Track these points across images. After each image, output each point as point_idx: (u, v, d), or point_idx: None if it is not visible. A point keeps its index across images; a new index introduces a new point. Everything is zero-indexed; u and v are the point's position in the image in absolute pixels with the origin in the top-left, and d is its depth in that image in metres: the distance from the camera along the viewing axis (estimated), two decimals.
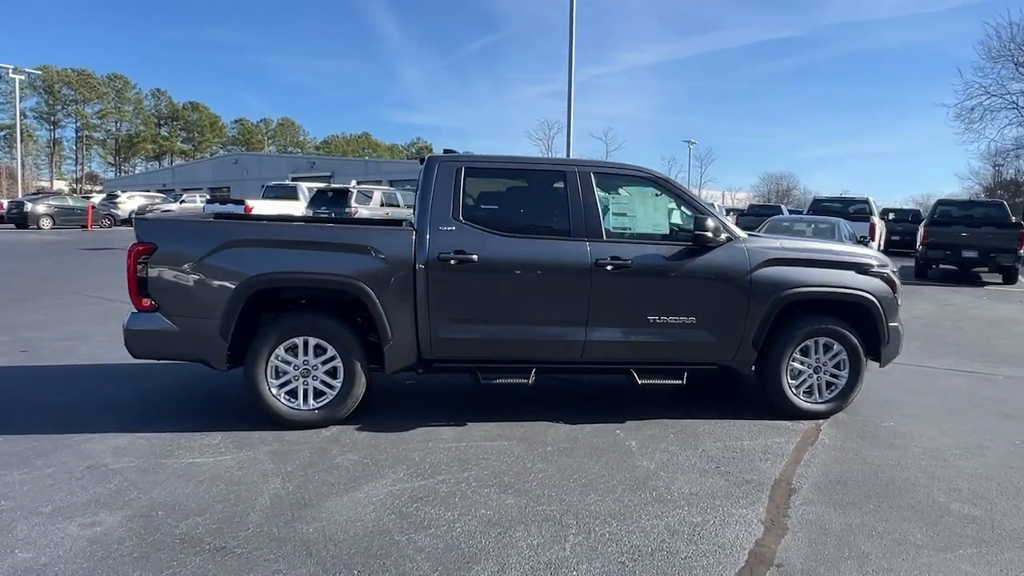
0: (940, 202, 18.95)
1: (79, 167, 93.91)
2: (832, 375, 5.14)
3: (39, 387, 5.47)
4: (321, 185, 24.51)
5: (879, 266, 5.26)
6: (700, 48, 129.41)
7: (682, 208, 5.12)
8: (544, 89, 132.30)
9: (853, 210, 18.38)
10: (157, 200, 35.49)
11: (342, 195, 18.21)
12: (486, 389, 5.32)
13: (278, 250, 4.53)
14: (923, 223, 17.69)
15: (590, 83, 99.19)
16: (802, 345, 5.06)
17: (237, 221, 5.48)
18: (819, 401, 5.14)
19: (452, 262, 4.59)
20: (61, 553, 2.97)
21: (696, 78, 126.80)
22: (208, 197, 31.56)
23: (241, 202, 19.68)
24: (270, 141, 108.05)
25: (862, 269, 5.17)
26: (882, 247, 18.54)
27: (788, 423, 5.02)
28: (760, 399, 5.35)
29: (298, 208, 19.49)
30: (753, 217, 23.98)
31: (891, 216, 25.94)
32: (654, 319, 4.85)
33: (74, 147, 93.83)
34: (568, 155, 20.93)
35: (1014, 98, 29.00)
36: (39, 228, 28.00)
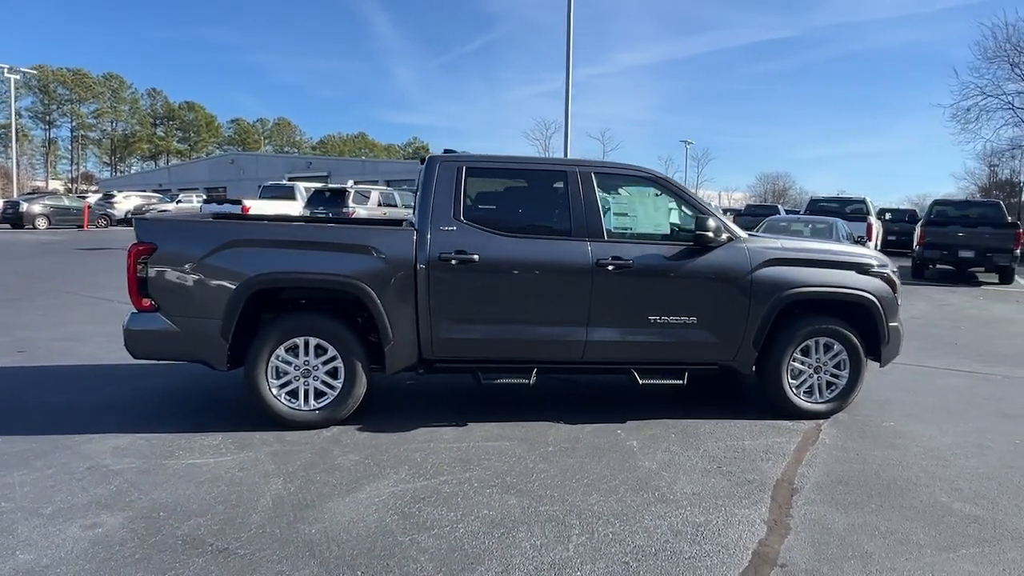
0: (936, 202, 19.02)
1: (74, 167, 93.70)
2: (832, 375, 5.15)
3: (38, 388, 5.45)
4: (318, 185, 24.47)
5: (879, 266, 5.27)
6: (697, 48, 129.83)
7: (683, 208, 5.12)
8: (539, 89, 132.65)
9: (850, 210, 18.43)
10: (153, 200, 35.44)
11: (339, 195, 18.17)
12: (486, 389, 5.31)
13: (279, 250, 4.52)
14: (920, 223, 17.74)
15: (587, 83, 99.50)
16: (803, 345, 5.07)
17: (238, 221, 5.46)
18: (819, 401, 5.14)
19: (453, 262, 4.58)
20: (63, 555, 2.96)
21: (693, 78, 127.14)
22: (205, 197, 31.48)
23: (238, 202, 19.64)
24: (266, 141, 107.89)
25: (862, 269, 5.18)
26: (879, 247, 18.58)
27: (789, 423, 5.02)
28: (760, 399, 5.35)
29: (295, 208, 19.46)
30: (750, 217, 24.03)
31: (888, 216, 26.00)
32: (655, 319, 4.85)
33: (69, 147, 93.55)
34: (566, 155, 20.93)
35: (1010, 98, 29.05)
36: (35, 228, 27.90)
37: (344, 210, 17.08)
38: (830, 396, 5.15)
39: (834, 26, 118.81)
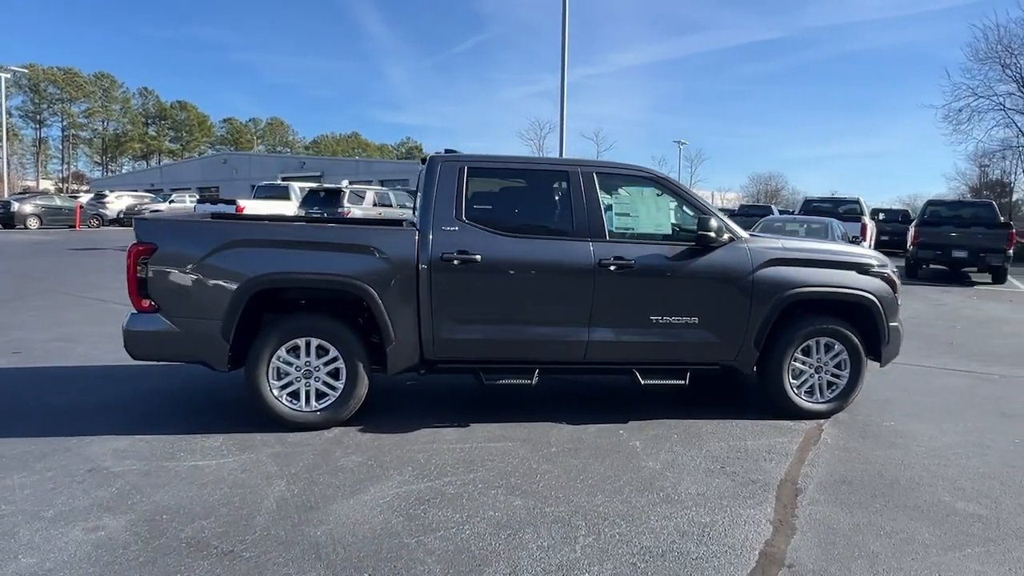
0: (930, 202, 19.11)
1: (65, 166, 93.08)
2: (833, 375, 5.16)
3: (35, 389, 5.40)
4: (312, 185, 24.36)
5: (879, 266, 5.28)
6: (690, 49, 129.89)
7: (684, 208, 5.12)
8: (531, 90, 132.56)
9: (844, 210, 18.51)
10: (146, 200, 35.24)
11: (334, 195, 18.09)
12: (487, 389, 5.30)
13: (280, 250, 4.49)
14: (914, 223, 17.83)
15: (580, 83, 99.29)
16: (803, 345, 5.08)
17: (238, 221, 5.43)
18: (820, 401, 5.16)
19: (455, 262, 4.57)
20: (66, 558, 2.93)
21: (686, 79, 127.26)
22: (198, 197, 31.33)
23: (232, 202, 19.48)
24: (259, 141, 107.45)
25: (862, 269, 5.19)
26: (872, 247, 18.66)
27: (790, 423, 5.03)
28: (761, 399, 5.36)
29: (290, 208, 19.35)
30: (744, 217, 24.06)
31: (881, 216, 26.13)
32: (657, 319, 4.85)
33: (60, 146, 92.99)
34: (561, 155, 20.93)
35: (1001, 99, 29.29)
36: (26, 228, 27.70)
37: (339, 210, 17.01)
38: (831, 396, 5.16)
39: (826, 27, 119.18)
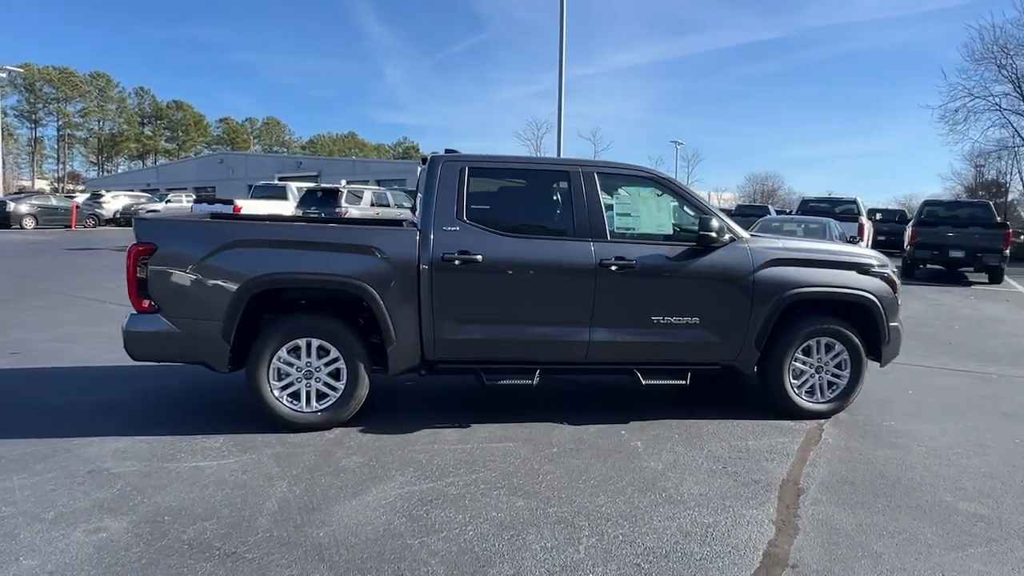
0: (927, 202, 19.17)
1: (61, 166, 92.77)
2: (834, 375, 5.17)
3: (34, 389, 5.38)
4: (310, 185, 24.33)
5: (879, 266, 5.29)
6: (687, 49, 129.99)
7: (685, 208, 5.12)
8: (529, 90, 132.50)
9: (841, 210, 18.52)
10: (142, 200, 35.10)
11: (332, 195, 18.06)
12: (487, 390, 5.29)
13: (280, 250, 4.48)
14: (911, 223, 17.87)
15: (577, 83, 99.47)
16: (804, 345, 5.08)
17: (239, 221, 5.41)
18: (821, 401, 5.16)
19: (456, 262, 4.56)
20: (67, 560, 2.91)
21: (683, 79, 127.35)
22: (195, 197, 31.25)
23: (230, 202, 19.44)
24: (255, 140, 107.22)
25: (863, 269, 5.20)
26: (869, 247, 18.69)
27: (790, 423, 5.03)
28: (761, 399, 5.36)
29: (287, 208, 19.32)
30: (741, 218, 24.01)
31: (878, 216, 26.20)
32: (658, 319, 4.84)
33: (56, 146, 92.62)
34: (559, 155, 20.93)
35: (997, 100, 29.34)
36: (22, 228, 27.60)
37: (337, 210, 16.98)
38: (831, 396, 5.17)
39: (824, 27, 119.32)
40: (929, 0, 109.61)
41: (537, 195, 5.09)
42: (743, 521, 3.45)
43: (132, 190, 43.59)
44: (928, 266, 17.15)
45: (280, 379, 4.52)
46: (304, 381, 4.54)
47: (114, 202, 33.62)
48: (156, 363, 5.05)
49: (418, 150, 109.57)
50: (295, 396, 4.54)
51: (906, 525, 3.47)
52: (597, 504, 3.60)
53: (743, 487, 3.88)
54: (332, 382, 4.58)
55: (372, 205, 18.61)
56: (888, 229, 24.88)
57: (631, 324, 4.83)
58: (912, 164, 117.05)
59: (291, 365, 4.52)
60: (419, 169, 5.29)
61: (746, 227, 5.20)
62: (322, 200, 17.94)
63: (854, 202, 19.59)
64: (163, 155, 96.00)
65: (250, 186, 26.00)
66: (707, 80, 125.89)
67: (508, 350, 4.76)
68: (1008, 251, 16.17)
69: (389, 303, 4.50)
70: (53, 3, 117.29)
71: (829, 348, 5.13)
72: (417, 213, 5.05)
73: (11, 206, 28.16)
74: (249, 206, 19.13)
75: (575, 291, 4.73)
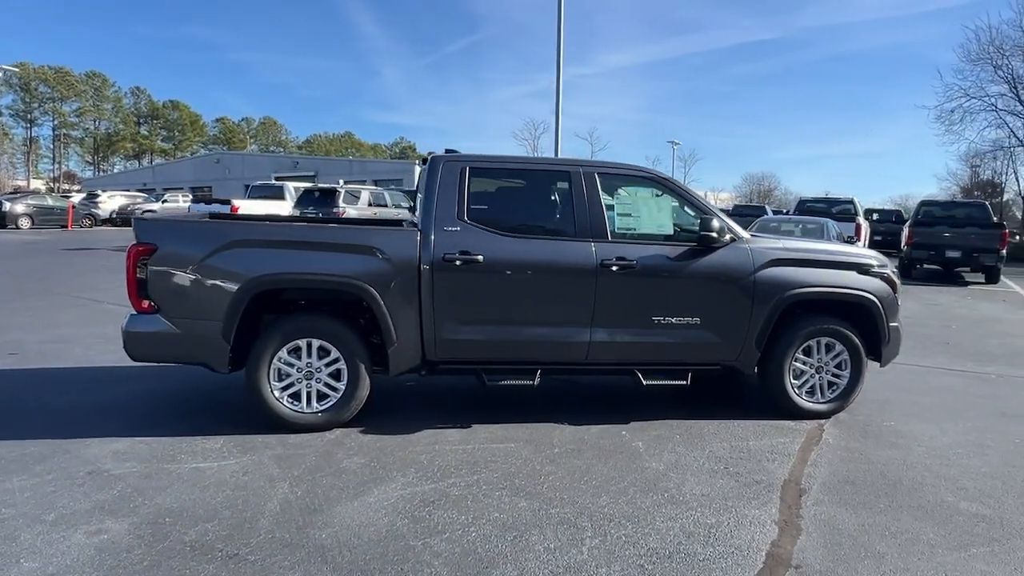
0: (924, 203, 19.24)
1: (56, 166, 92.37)
2: (834, 375, 5.17)
3: (32, 390, 5.36)
4: (307, 185, 24.29)
5: (879, 266, 5.30)
6: (684, 49, 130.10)
7: (686, 209, 5.12)
8: (524, 90, 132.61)
9: (838, 211, 18.56)
10: (139, 200, 34.98)
11: (330, 195, 18.03)
12: (487, 390, 5.26)
13: (281, 251, 4.47)
14: (908, 223, 17.91)
15: (574, 83, 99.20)
16: (804, 345, 5.08)
17: (239, 222, 5.39)
18: (821, 401, 5.16)
19: (457, 263, 4.55)
20: (68, 562, 2.90)
21: (680, 79, 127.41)
22: (192, 197, 31.18)
23: (227, 202, 19.38)
24: (252, 140, 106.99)
25: (863, 269, 5.21)
26: (866, 247, 18.73)
27: (791, 423, 5.04)
28: (761, 399, 5.36)
29: (285, 208, 19.27)
30: (738, 218, 23.95)
31: (875, 216, 26.26)
32: (659, 320, 4.84)
33: (51, 145, 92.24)
34: (556, 155, 20.93)
35: (993, 100, 29.44)
36: (18, 228, 27.48)
37: (334, 210, 16.94)
38: (832, 396, 5.18)
39: (820, 28, 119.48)
40: (925, 0, 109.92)
41: (538, 195, 5.09)
42: (746, 522, 3.45)
43: (128, 190, 43.43)
44: (925, 266, 17.19)
45: (280, 380, 4.50)
46: (304, 382, 4.53)
47: (110, 202, 33.51)
48: (155, 364, 5.04)
49: (415, 150, 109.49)
50: (295, 397, 4.53)
51: (908, 525, 3.47)
52: (599, 505, 3.59)
53: (745, 487, 3.88)
54: (333, 383, 4.56)
55: (370, 205, 18.58)
56: (885, 229, 24.94)
57: (632, 324, 4.83)
58: (908, 164, 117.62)
59: (291, 366, 4.51)
60: (419, 169, 5.28)
61: (743, 227, 5.19)
62: (319, 200, 17.89)
63: (851, 202, 19.64)
64: (159, 155, 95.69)
65: (247, 186, 25.95)
66: (704, 80, 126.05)
67: (509, 350, 4.76)
68: (1004, 251, 16.23)
69: (390, 303, 4.49)
70: (49, 2, 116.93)
71: (829, 348, 5.14)
72: (417, 213, 5.04)
73: (7, 206, 28.04)
74: (246, 206, 19.07)
75: (576, 291, 4.72)
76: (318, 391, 4.56)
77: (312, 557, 3.00)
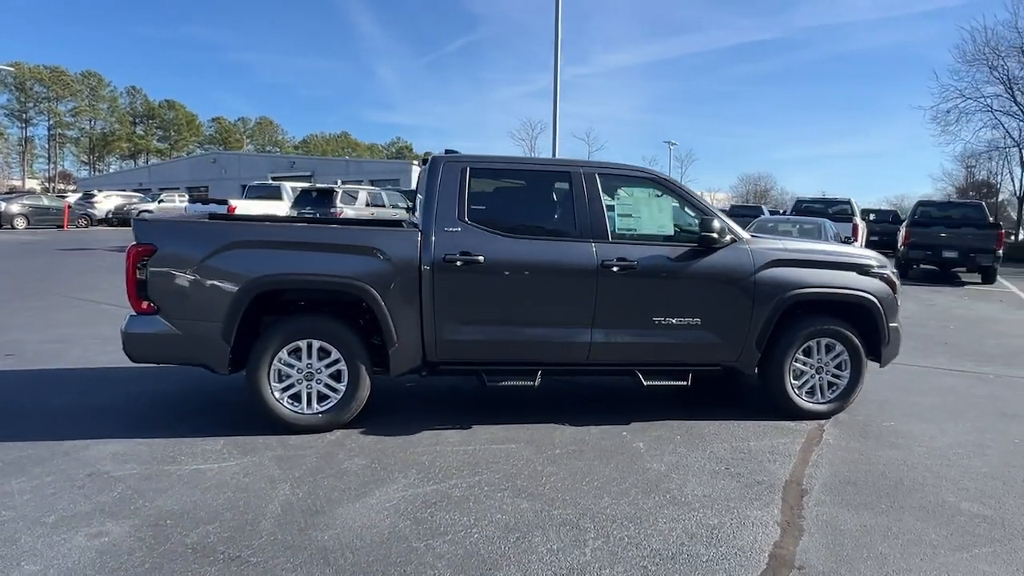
0: (921, 203, 19.29)
1: (52, 166, 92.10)
2: (834, 375, 5.18)
3: (30, 392, 5.33)
4: (304, 185, 24.23)
5: (879, 267, 5.31)
6: (681, 49, 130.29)
7: (686, 209, 5.12)
8: (523, 90, 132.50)
9: (835, 211, 18.60)
10: (135, 200, 34.86)
11: (327, 195, 17.97)
12: (487, 390, 5.25)
13: (282, 251, 4.45)
14: (905, 223, 17.95)
15: (571, 83, 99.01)
16: (804, 346, 5.09)
17: (240, 222, 5.37)
18: (821, 401, 5.17)
19: (458, 263, 4.54)
20: (70, 565, 2.88)
21: (677, 79, 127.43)
22: (188, 197, 31.09)
23: (224, 202, 19.36)
24: (248, 140, 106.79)
25: (863, 270, 5.21)
26: (863, 247, 18.76)
27: (791, 423, 5.04)
28: (761, 399, 5.36)
29: (282, 208, 19.24)
30: (735, 218, 23.96)
31: (872, 217, 26.34)
32: (659, 320, 4.84)
33: (47, 145, 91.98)
34: (554, 155, 20.93)
35: (988, 101, 29.53)
36: (13, 228, 27.36)
37: (332, 210, 16.90)
38: (832, 396, 5.18)
39: (816, 28, 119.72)
40: (921, 1, 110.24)
41: (538, 196, 5.08)
42: (748, 522, 3.45)
43: (124, 190, 43.31)
44: (921, 266, 17.24)
45: (281, 381, 4.49)
46: (305, 383, 4.52)
47: (106, 202, 33.37)
48: (154, 365, 5.01)
49: (411, 150, 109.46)
50: (296, 398, 4.52)
51: (910, 526, 3.47)
52: (602, 506, 3.59)
53: (747, 488, 3.88)
54: (333, 383, 4.55)
55: (367, 205, 18.54)
56: (881, 230, 25.00)
57: (633, 325, 4.83)
58: (904, 165, 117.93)
59: (292, 367, 4.49)
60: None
61: (741, 227, 5.19)
62: (317, 200, 17.84)
63: (848, 202, 19.67)
64: (155, 155, 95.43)
65: (243, 186, 25.89)
66: (701, 80, 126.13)
67: (510, 351, 4.75)
68: (1001, 251, 16.27)
69: (390, 304, 4.48)
70: (44, 2, 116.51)
71: (829, 349, 5.14)
72: (418, 214, 5.03)
73: (2, 206, 27.87)
74: (243, 206, 19.04)
75: (577, 292, 4.72)
76: (318, 392, 4.54)
77: (315, 559, 2.99)
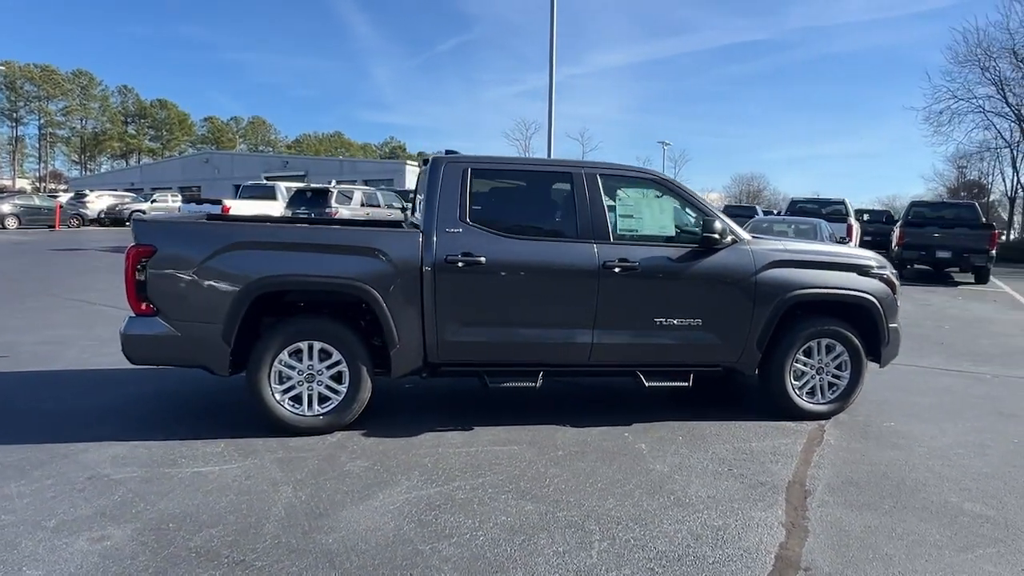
0: (914, 203, 19.37)
1: (42, 165, 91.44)
2: (834, 376, 5.19)
3: (27, 394, 5.28)
4: (299, 185, 24.13)
5: (879, 268, 5.33)
6: (674, 50, 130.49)
7: (687, 210, 5.12)
8: (516, 90, 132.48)
9: (829, 211, 18.64)
10: (127, 199, 34.68)
11: (322, 195, 17.91)
12: (488, 392, 5.25)
13: (282, 252, 4.42)
14: (898, 224, 18.03)
15: (565, 83, 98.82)
16: (805, 346, 5.09)
17: (240, 223, 5.34)
18: (821, 402, 5.18)
19: (460, 264, 4.53)
20: (72, 570, 2.85)
21: (671, 79, 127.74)
22: (181, 197, 30.93)
23: (218, 202, 19.27)
24: (241, 140, 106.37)
25: (863, 271, 5.23)
26: (857, 247, 18.82)
27: (792, 424, 5.04)
28: (762, 400, 5.37)
29: (276, 208, 19.17)
30: (731, 219, 24.17)
31: (865, 217, 26.46)
32: (661, 321, 4.84)
33: (37, 145, 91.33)
34: (549, 155, 20.91)
35: (980, 102, 29.72)
36: (4, 228, 27.15)
37: (327, 210, 16.86)
38: (832, 397, 5.19)
39: (809, 29, 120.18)
40: (913, 2, 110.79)
41: (540, 197, 5.07)
42: (753, 523, 3.45)
43: (116, 190, 43.02)
44: (915, 266, 17.31)
45: (281, 382, 4.46)
46: (306, 384, 4.49)
47: (98, 202, 33.18)
48: (154, 367, 4.98)
49: (405, 150, 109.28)
50: (296, 399, 4.49)
51: (914, 526, 3.48)
52: (606, 507, 3.58)
53: (750, 489, 3.88)
54: (334, 385, 4.53)
55: (362, 205, 18.49)
56: (875, 230, 25.10)
57: (634, 326, 4.82)
58: (897, 165, 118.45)
59: (292, 368, 4.47)
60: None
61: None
62: (312, 200, 17.78)
63: (842, 203, 19.74)
64: (147, 154, 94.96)
65: (236, 186, 25.82)
66: (694, 80, 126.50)
67: (511, 352, 4.74)
68: (994, 251, 16.37)
69: (392, 305, 4.46)
70: (43, 2, 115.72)
71: (830, 349, 5.15)
72: (419, 214, 5.01)
73: None
74: (237, 206, 18.96)
75: (578, 293, 4.71)
76: (319, 394, 4.52)
77: (320, 562, 2.97)
